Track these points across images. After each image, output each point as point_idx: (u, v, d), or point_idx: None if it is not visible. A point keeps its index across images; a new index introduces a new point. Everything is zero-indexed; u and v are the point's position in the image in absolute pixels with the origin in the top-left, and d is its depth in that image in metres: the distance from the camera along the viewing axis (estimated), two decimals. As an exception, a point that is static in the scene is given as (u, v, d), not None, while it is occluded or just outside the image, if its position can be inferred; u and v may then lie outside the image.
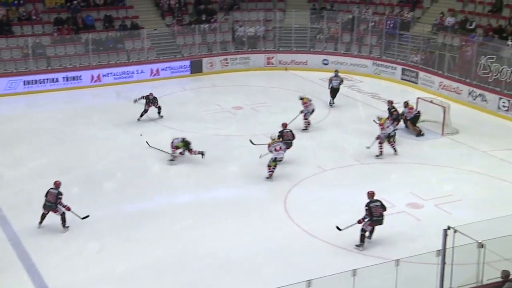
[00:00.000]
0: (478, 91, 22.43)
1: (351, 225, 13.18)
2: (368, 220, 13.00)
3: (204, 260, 12.85)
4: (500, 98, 21.64)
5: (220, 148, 18.65)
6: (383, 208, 13.08)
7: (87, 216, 14.02)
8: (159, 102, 20.84)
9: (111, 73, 25.42)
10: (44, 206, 13.78)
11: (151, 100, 20.64)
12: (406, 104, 19.77)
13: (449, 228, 10.04)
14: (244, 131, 20.06)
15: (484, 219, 12.51)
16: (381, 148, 17.79)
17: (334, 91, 22.64)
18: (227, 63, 27.61)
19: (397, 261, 10.29)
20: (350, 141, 19.22)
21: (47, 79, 24.55)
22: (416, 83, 24.99)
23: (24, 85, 24.27)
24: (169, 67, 26.48)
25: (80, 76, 25.00)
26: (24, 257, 12.90)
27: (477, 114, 22.07)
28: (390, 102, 19.61)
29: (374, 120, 18.53)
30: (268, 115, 21.23)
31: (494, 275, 10.57)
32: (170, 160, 17.44)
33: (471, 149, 18.69)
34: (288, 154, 17.56)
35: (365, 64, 26.68)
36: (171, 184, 16.56)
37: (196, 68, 26.93)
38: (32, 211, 14.21)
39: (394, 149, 18.01)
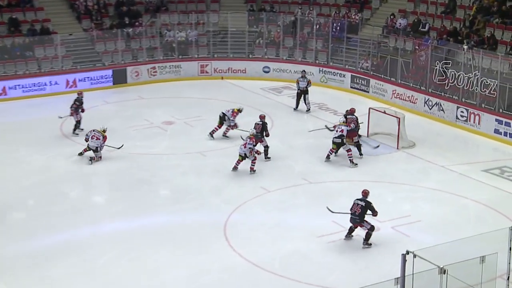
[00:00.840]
0: (435, 100, 23.08)
1: (345, 213, 14.31)
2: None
3: (133, 299, 12.63)
4: (458, 107, 22.31)
5: (149, 169, 18.47)
6: (363, 209, 14.13)
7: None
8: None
9: (19, 85, 24.89)
10: None
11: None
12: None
13: (408, 252, 10.19)
14: (176, 149, 20.00)
15: (445, 242, 12.77)
16: (330, 153, 18.72)
17: (301, 94, 23.37)
18: (155, 72, 27.44)
19: (353, 291, 10.38)
20: (296, 158, 19.33)
21: None
22: (367, 92, 25.50)
23: None
24: (88, 77, 26.11)
25: (-18, 89, 24.39)
26: None
27: (434, 124, 22.69)
28: (351, 110, 19.84)
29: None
30: (203, 130, 21.14)
31: (458, 303, 10.81)
32: (79, 153, 18.81)
33: (428, 164, 19.14)
34: (228, 174, 17.60)
35: (311, 71, 27.02)
36: (93, 212, 16.22)
37: (119, 79, 26.65)
38: None
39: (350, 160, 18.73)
